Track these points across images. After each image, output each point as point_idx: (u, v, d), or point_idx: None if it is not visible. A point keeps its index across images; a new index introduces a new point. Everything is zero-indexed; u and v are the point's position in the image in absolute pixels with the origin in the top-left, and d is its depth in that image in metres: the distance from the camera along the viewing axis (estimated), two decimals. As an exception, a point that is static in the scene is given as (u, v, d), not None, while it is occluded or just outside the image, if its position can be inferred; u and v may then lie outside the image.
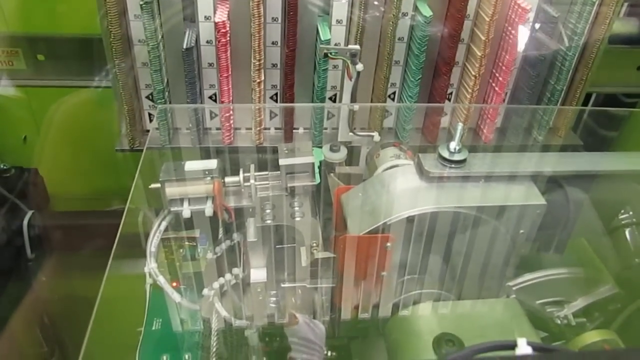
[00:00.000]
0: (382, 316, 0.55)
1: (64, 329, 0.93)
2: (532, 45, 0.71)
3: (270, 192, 0.58)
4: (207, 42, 0.68)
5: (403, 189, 0.53)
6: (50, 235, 0.89)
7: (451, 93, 0.76)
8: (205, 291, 0.56)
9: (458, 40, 0.69)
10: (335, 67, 0.71)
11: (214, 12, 0.65)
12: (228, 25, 0.63)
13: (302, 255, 0.55)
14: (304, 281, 0.55)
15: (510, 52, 0.69)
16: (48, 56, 0.83)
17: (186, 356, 0.57)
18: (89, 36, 0.77)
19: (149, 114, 0.74)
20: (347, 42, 0.68)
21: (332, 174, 0.63)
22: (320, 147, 0.66)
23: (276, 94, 0.73)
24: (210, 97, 0.73)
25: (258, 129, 0.72)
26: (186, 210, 0.56)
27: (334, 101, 0.74)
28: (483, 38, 0.67)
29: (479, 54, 0.68)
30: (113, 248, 0.51)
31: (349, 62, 0.66)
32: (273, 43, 0.68)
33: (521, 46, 0.70)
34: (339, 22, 0.67)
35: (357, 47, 0.66)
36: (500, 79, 0.71)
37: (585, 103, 0.81)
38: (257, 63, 0.66)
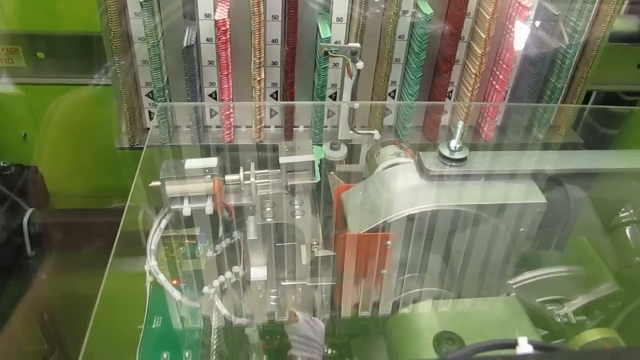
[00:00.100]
0: (382, 314, 0.55)
1: (64, 327, 0.93)
2: (532, 43, 0.71)
3: (271, 190, 0.58)
4: (207, 39, 0.67)
5: (403, 187, 0.53)
6: (50, 233, 0.89)
7: (451, 91, 0.76)
8: (206, 289, 0.56)
9: (458, 38, 0.68)
10: (335, 65, 0.70)
11: (214, 10, 0.65)
12: (228, 23, 0.63)
13: (303, 254, 0.55)
14: (304, 279, 0.55)
15: (510, 50, 0.69)
16: (48, 54, 0.84)
17: (186, 354, 0.57)
18: (88, 34, 0.77)
19: (149, 112, 0.74)
20: (347, 40, 0.68)
21: (332, 172, 0.63)
22: (321, 145, 0.66)
23: (276, 92, 0.73)
24: (211, 95, 0.73)
25: (258, 126, 0.72)
26: (186, 208, 0.56)
27: (334, 99, 0.74)
28: (483, 36, 0.67)
29: (480, 51, 0.68)
30: (114, 246, 0.51)
31: (349, 60, 0.66)
32: (273, 41, 0.68)
33: (522, 44, 0.70)
34: (339, 19, 0.67)
35: (358, 45, 0.66)
36: (501, 77, 0.71)
37: (585, 101, 0.81)
38: (258, 61, 0.66)
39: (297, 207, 0.57)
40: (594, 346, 0.54)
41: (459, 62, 0.73)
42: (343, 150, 0.65)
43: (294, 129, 0.75)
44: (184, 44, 0.65)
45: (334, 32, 0.67)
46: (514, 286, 0.57)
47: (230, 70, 0.67)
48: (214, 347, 0.55)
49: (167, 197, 0.56)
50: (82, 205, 0.98)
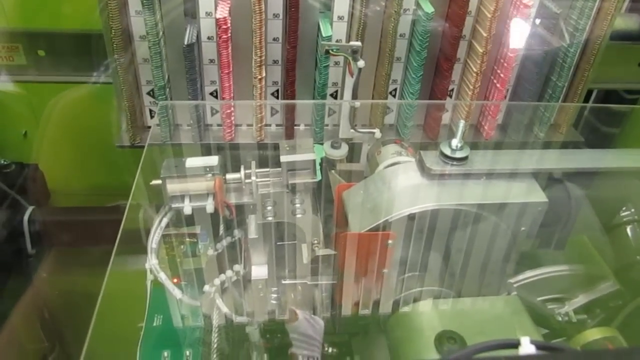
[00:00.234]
0: (383, 313, 0.55)
1: (65, 325, 0.93)
2: (533, 41, 0.71)
3: (271, 188, 0.58)
4: (208, 38, 0.67)
5: (404, 186, 0.53)
6: (51, 230, 0.89)
7: (452, 90, 0.76)
8: (206, 287, 0.56)
9: (459, 37, 0.68)
10: (336, 63, 0.70)
11: (215, 8, 0.65)
12: (229, 21, 0.63)
13: (303, 252, 0.55)
14: (305, 278, 0.55)
15: (511, 48, 0.68)
16: (48, 52, 0.83)
17: (187, 352, 0.57)
18: (89, 32, 0.77)
19: (150, 110, 0.74)
20: (348, 39, 0.68)
21: (333, 171, 0.63)
22: (322, 144, 0.66)
23: (277, 91, 0.73)
24: (211, 94, 0.72)
25: (259, 125, 0.72)
26: (187, 207, 0.56)
27: (335, 98, 0.74)
28: (485, 34, 0.67)
29: (481, 50, 0.68)
30: (115, 244, 0.51)
31: (350, 58, 0.66)
32: (274, 39, 0.68)
33: (523, 43, 0.70)
34: (340, 18, 0.66)
35: (359, 43, 0.66)
36: (502, 75, 0.71)
37: (586, 100, 0.81)
38: (258, 59, 0.66)
39: (297, 205, 0.57)
40: (595, 345, 0.54)
41: (460, 61, 0.73)
42: (344, 149, 0.65)
43: (295, 127, 0.75)
44: (185, 42, 0.65)
45: (335, 30, 0.67)
46: (515, 285, 0.57)
47: (231, 69, 0.67)
48: (215, 346, 0.55)
49: (168, 196, 0.56)
50: (82, 203, 0.99)
